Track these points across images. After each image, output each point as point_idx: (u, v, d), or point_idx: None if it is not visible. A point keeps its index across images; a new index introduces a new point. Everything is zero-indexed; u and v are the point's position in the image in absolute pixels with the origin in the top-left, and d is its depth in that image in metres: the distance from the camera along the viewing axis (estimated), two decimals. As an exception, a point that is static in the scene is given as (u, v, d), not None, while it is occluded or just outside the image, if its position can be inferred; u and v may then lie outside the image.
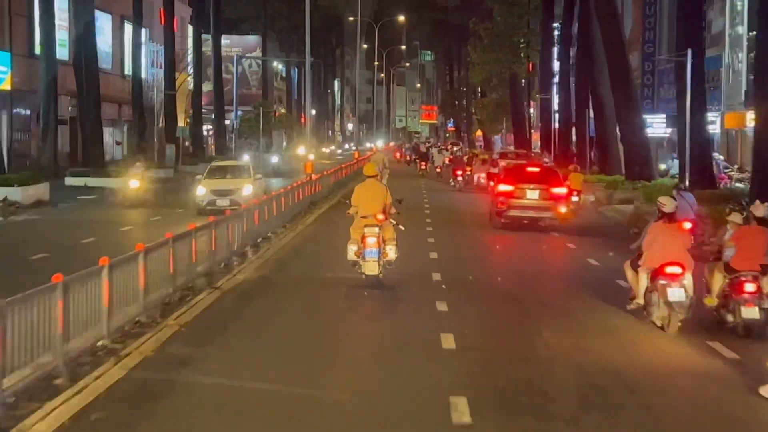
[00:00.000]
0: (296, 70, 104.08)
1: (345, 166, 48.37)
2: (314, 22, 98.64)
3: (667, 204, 13.24)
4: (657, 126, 45.83)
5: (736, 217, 13.68)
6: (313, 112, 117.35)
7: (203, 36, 68.30)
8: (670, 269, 12.68)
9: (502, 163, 41.75)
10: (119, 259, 11.38)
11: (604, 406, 9.34)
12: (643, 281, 13.00)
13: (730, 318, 12.63)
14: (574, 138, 50.82)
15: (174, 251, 13.41)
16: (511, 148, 66.87)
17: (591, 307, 14.68)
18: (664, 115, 45.13)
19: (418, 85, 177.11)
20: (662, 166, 43.64)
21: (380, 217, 15.60)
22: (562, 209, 25.77)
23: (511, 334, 12.76)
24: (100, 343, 10.63)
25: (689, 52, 27.13)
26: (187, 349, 11.24)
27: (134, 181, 33.18)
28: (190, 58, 68.98)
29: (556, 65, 57.30)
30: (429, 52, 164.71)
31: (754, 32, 29.58)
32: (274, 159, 58.75)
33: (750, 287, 12.49)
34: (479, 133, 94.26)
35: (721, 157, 40.41)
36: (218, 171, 31.26)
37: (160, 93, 60.20)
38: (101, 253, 11.40)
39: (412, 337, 12.25)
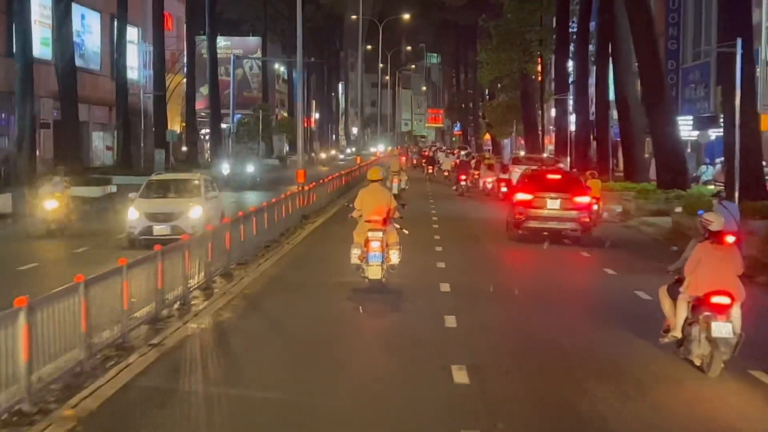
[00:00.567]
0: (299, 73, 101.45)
1: (346, 173, 44.48)
2: (316, 23, 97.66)
3: (714, 221, 11.42)
4: (683, 128, 42.14)
5: None
6: (317, 115, 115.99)
7: (202, 37, 65.24)
8: (716, 299, 11.01)
9: (517, 169, 41.17)
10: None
11: None
12: (683, 311, 11.33)
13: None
14: (592, 142, 47.51)
15: (87, 300, 9.67)
16: (522, 152, 64.95)
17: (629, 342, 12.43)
18: (690, 117, 41.57)
19: (424, 88, 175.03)
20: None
21: (377, 218, 15.49)
22: (585, 219, 23.76)
23: (546, 391, 10.14)
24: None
25: (739, 42, 23.35)
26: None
27: (51, 202, 24.66)
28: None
29: (570, 64, 53.99)
30: (435, 55, 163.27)
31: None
32: (250, 169, 52.25)
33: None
34: (487, 137, 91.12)
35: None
36: (158, 187, 23.46)
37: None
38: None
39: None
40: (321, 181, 33.70)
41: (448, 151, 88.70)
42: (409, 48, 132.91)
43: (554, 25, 57.19)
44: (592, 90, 46.12)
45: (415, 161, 78.79)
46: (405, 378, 10.28)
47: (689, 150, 46.89)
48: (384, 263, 15.36)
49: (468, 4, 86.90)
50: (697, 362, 11.15)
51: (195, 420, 8.69)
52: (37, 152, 47.04)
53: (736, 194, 23.32)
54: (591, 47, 48.02)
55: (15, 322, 8.15)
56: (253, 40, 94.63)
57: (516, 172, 43.48)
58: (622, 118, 37.83)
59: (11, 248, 22.49)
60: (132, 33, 65.96)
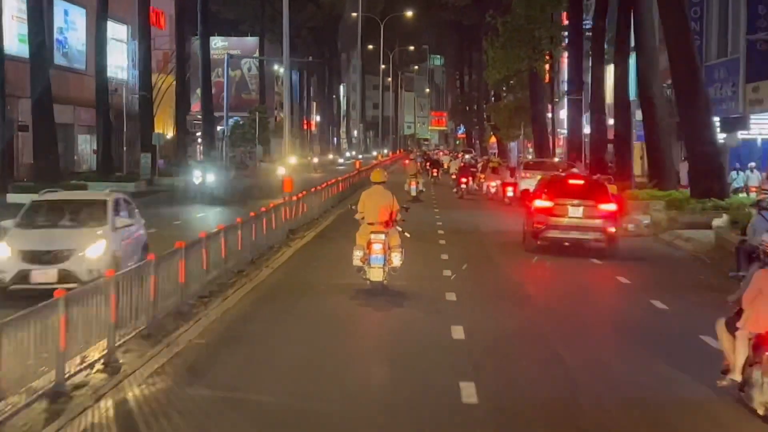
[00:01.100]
0: (298, 74, 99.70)
1: (343, 179, 40.88)
2: (316, 22, 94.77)
3: None
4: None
5: None
6: (318, 118, 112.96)
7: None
8: None
9: (526, 174, 40.82)
10: None
11: None
12: (743, 350, 9.87)
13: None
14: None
15: None
16: (530, 157, 62.30)
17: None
18: (715, 118, 38.21)
19: (427, 90, 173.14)
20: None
21: (379, 220, 15.68)
22: (611, 229, 21.87)
23: None
24: None
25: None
26: None
27: None
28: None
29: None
30: (438, 56, 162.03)
31: None
32: (196, 177, 43.11)
33: None
34: (493, 140, 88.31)
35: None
36: (47, 212, 16.55)
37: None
38: None
39: None
40: (312, 189, 30.10)
41: (453, 154, 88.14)
42: (411, 47, 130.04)
43: (566, 21, 54.05)
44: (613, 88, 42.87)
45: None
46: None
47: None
48: (386, 265, 15.42)
49: (472, 3, 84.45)
50: (761, 411, 9.51)
51: None
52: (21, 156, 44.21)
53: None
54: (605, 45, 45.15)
55: None
56: (251, 41, 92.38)
57: (527, 179, 41.30)
58: (647, 119, 34.36)
59: None
60: (121, 31, 63.14)
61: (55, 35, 54.02)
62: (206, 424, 8.81)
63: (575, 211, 21.91)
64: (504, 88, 75.87)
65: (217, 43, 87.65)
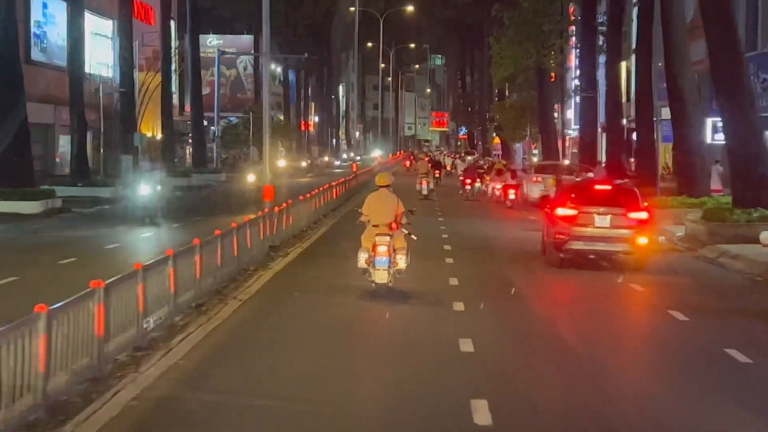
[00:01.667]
0: (295, 73, 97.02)
1: (337, 183, 37.25)
2: (314, 20, 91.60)
3: None
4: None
5: None
6: (316, 118, 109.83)
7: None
8: None
9: (538, 177, 40.06)
10: None
11: None
12: None
13: None
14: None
15: None
16: (535, 159, 61.80)
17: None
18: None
19: (428, 91, 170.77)
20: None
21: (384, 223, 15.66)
22: (642, 240, 19.69)
23: None
24: None
25: None
26: None
27: None
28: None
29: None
30: (439, 56, 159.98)
31: None
32: (143, 191, 30.89)
33: None
34: (497, 141, 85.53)
35: None
36: None
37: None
38: None
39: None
40: (300, 197, 26.50)
41: (457, 155, 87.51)
42: (412, 45, 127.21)
43: (580, 13, 50.75)
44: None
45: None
46: None
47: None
48: (391, 268, 15.47)
49: (474, 1, 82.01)
50: None
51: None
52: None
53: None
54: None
55: None
56: (247, 39, 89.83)
57: (537, 182, 39.11)
58: (676, 117, 30.90)
59: None
60: (107, 26, 60.19)
61: (33, 29, 50.77)
62: None
63: (602, 221, 19.90)
64: (508, 87, 73.45)
65: (212, 41, 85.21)
